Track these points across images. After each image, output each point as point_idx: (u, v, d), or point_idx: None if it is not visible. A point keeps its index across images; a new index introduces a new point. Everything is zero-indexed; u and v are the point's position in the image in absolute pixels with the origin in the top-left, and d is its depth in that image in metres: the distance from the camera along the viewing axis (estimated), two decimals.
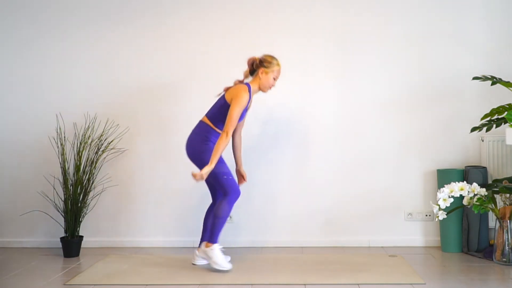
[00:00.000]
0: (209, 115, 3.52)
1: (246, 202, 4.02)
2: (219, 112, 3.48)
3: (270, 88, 3.55)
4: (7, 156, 4.22)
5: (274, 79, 3.52)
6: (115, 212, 4.18)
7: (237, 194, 3.45)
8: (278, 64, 3.51)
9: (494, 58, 4.01)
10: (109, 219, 4.17)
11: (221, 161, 3.45)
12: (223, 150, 3.34)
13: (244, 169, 3.76)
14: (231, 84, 3.58)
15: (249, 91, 3.46)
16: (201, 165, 3.42)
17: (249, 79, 3.58)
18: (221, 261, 3.40)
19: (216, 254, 3.41)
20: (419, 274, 3.31)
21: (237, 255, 3.74)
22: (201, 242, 3.59)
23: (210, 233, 3.45)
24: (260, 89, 3.55)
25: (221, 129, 3.48)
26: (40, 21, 4.20)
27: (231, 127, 3.35)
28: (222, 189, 3.45)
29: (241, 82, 3.56)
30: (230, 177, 3.45)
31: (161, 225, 4.14)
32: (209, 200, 3.70)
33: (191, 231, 4.06)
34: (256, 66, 3.51)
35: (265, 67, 3.48)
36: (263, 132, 4.11)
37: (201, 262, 3.57)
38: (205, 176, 3.27)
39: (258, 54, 3.55)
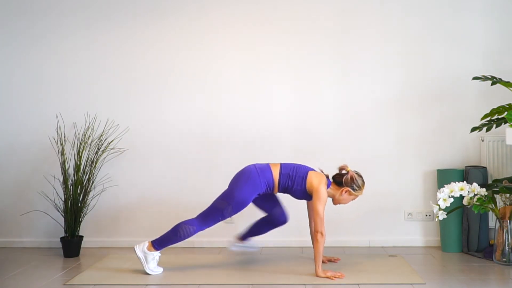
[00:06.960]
0: (282, 178, 3.35)
1: None
2: (292, 184, 3.35)
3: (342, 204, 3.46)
4: (7, 156, 4.22)
5: (352, 200, 3.42)
6: (115, 212, 4.17)
7: (203, 228, 3.37)
8: (362, 192, 3.40)
9: (494, 58, 4.00)
10: (109, 219, 4.17)
11: (240, 201, 3.32)
12: (323, 250, 3.26)
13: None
14: None
15: (327, 187, 3.35)
16: (229, 193, 3.35)
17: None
18: (155, 267, 3.40)
19: (154, 260, 3.41)
20: (419, 274, 3.31)
21: (237, 255, 3.73)
22: (243, 236, 3.70)
23: (160, 239, 3.41)
24: (333, 199, 3.42)
25: (281, 189, 3.40)
26: (40, 22, 4.20)
27: (322, 225, 3.23)
28: (205, 212, 3.38)
29: (322, 172, 3.44)
30: (220, 218, 3.35)
31: (161, 225, 4.12)
32: (207, 200, 3.69)
33: None
34: (345, 181, 3.33)
35: (353, 189, 3.34)
36: (263, 132, 4.11)
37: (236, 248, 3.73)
38: (321, 274, 3.23)
39: (352, 168, 3.39)
